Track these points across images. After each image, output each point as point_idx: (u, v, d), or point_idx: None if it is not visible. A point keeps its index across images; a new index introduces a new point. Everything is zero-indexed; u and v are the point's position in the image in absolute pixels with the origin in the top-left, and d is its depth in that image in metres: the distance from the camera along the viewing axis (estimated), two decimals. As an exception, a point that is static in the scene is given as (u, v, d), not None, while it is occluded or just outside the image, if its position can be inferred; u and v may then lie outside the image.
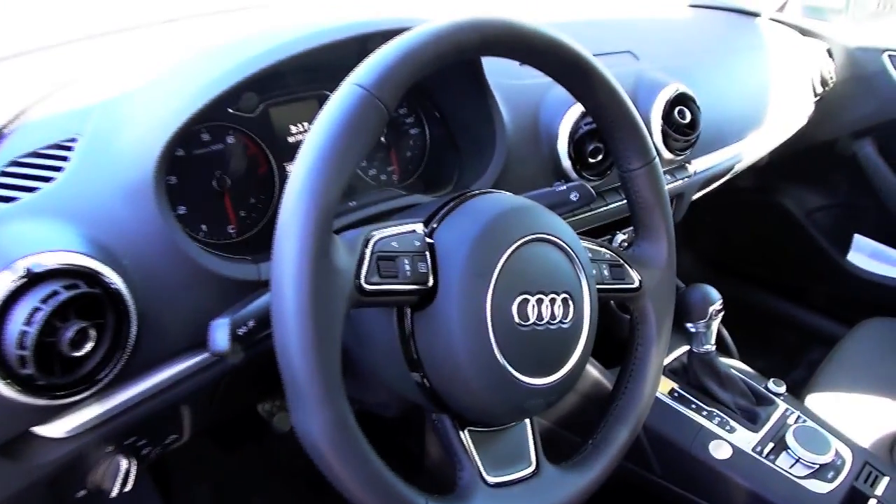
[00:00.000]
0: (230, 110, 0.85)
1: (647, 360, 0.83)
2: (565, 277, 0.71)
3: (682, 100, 1.19)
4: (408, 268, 0.63)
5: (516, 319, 0.66)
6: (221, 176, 0.84)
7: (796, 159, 1.79)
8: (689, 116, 1.19)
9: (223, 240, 0.85)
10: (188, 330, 0.73)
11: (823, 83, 1.67)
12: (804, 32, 1.73)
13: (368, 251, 0.62)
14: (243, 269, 0.77)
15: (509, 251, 0.66)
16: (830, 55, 1.71)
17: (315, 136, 0.58)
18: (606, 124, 0.79)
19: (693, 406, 1.14)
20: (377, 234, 0.64)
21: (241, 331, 0.64)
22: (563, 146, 1.04)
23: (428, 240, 0.67)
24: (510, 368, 0.66)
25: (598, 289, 0.75)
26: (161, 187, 0.72)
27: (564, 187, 0.87)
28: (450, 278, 0.64)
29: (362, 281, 0.60)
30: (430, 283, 0.65)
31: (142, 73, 0.84)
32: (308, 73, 0.91)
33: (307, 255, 0.55)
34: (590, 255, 0.76)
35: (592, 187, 0.89)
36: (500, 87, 0.99)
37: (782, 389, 1.18)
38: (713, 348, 1.16)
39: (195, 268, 0.73)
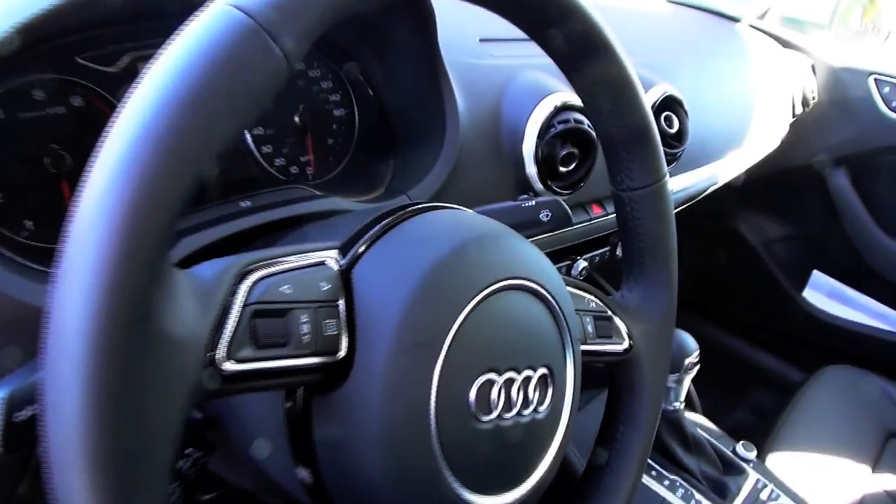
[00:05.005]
0: (79, 59, 0.61)
1: (633, 444, 0.62)
2: (546, 344, 0.48)
3: (669, 104, 1.02)
4: (306, 329, 0.38)
5: (474, 410, 0.42)
6: (59, 152, 0.60)
7: (759, 184, 1.65)
8: (676, 125, 1.02)
9: (58, 242, 0.60)
10: None
11: (804, 102, 1.53)
12: (785, 44, 1.60)
13: (239, 301, 0.36)
14: None
15: (470, 306, 0.42)
16: (814, 72, 1.58)
17: (153, 83, 0.32)
18: (606, 119, 0.57)
19: (654, 473, 0.98)
20: (259, 270, 0.38)
21: (21, 415, 0.38)
22: (528, 148, 0.84)
23: (343, 280, 0.42)
24: (457, 486, 0.42)
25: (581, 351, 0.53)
26: None
27: (533, 203, 0.67)
28: (374, 347, 0.40)
29: (223, 356, 0.35)
30: (343, 352, 0.40)
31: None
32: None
33: (108, 312, 0.28)
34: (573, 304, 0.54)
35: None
36: (455, 65, 0.78)
37: (752, 455, 1.05)
38: (682, 406, 0.99)
39: None
